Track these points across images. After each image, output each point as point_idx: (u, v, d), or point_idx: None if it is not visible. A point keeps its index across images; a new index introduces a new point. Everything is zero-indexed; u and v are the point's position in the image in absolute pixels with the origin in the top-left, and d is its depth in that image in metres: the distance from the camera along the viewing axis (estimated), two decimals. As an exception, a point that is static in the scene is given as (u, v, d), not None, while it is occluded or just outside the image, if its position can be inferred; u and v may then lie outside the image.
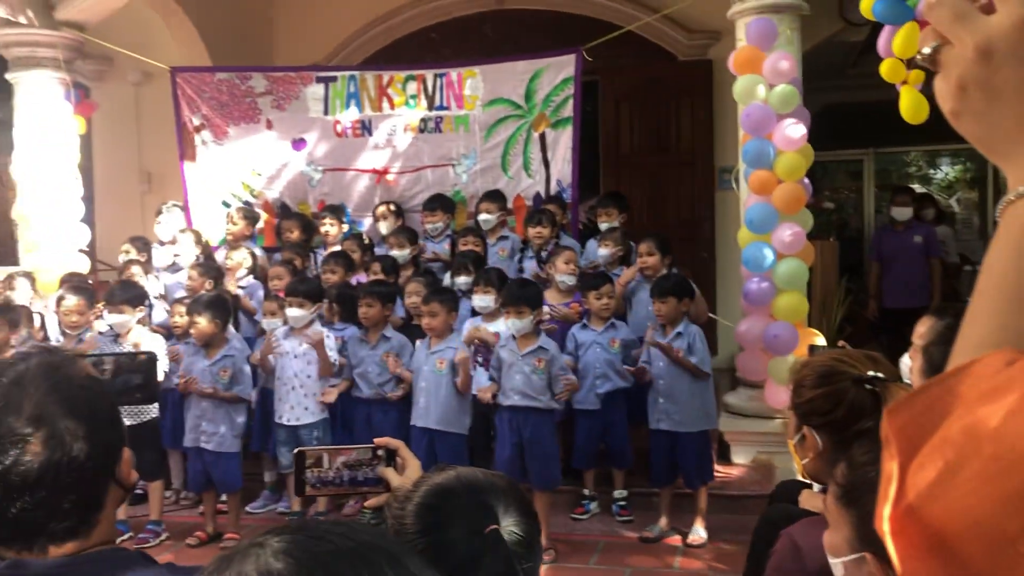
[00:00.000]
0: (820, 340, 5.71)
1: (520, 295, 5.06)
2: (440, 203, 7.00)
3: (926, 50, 0.72)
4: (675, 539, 5.27)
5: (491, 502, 1.31)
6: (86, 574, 1.29)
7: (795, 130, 5.67)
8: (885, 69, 4.26)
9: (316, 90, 7.47)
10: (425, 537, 1.29)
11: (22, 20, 7.01)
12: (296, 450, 1.66)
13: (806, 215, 5.91)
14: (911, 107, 4.09)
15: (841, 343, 4.76)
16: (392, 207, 7.14)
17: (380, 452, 1.63)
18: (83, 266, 7.22)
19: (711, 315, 6.84)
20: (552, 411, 5.14)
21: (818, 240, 8.90)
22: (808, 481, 3.13)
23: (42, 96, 7.25)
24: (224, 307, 5.53)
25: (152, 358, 1.79)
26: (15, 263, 7.57)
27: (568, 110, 7.06)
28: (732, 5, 6.14)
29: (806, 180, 5.88)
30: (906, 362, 3.60)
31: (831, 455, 1.84)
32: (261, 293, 6.45)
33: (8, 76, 7.36)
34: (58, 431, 1.26)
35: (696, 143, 8.80)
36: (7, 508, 1.25)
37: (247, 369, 5.56)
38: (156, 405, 5.52)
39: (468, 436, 5.29)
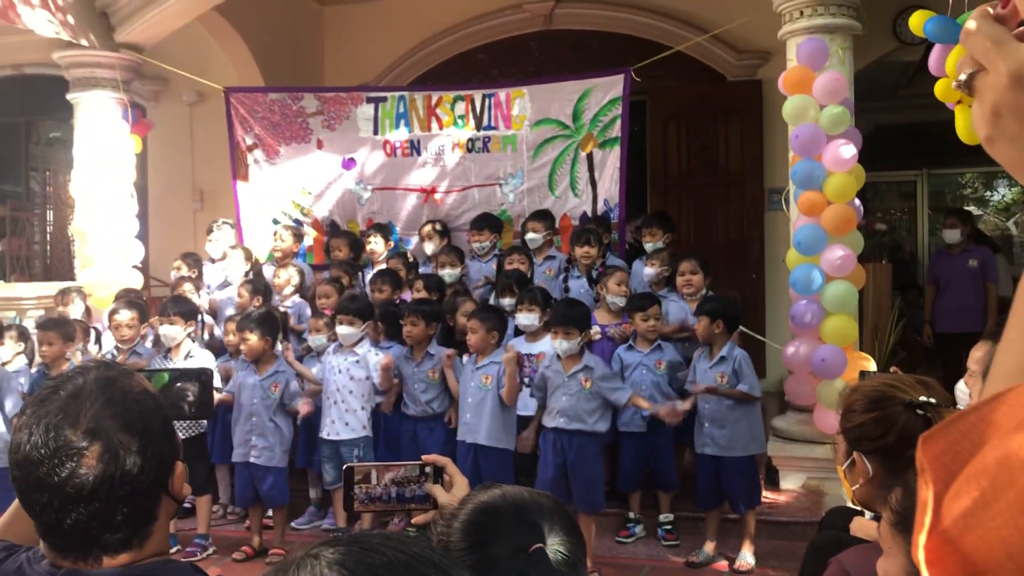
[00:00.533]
0: (871, 365, 5.60)
1: (569, 316, 5.04)
2: (487, 222, 7.03)
3: (962, 76, 0.73)
4: (722, 564, 5.18)
5: (536, 521, 1.30)
6: None
7: (845, 151, 5.58)
8: (939, 89, 4.18)
9: (366, 110, 7.56)
10: (470, 555, 1.28)
11: (83, 42, 7.21)
12: (345, 466, 1.67)
13: (856, 237, 5.81)
14: (966, 127, 4.00)
15: (893, 369, 4.67)
16: (438, 226, 7.19)
17: (428, 469, 1.63)
18: (136, 282, 7.36)
19: (760, 337, 6.76)
20: (597, 433, 5.10)
21: (870, 263, 8.78)
22: (859, 508, 3.07)
23: (101, 116, 7.44)
24: (273, 324, 5.60)
25: (208, 373, 1.80)
26: (72, 278, 7.76)
27: (616, 130, 7.05)
28: (783, 25, 6.09)
29: (856, 202, 5.79)
30: (962, 388, 3.51)
31: (882, 481, 1.79)
32: (308, 311, 6.52)
33: (69, 96, 7.57)
34: (112, 445, 1.28)
35: (745, 163, 8.73)
36: (63, 519, 1.27)
37: (295, 384, 5.61)
38: (204, 420, 5.60)
39: (514, 453, 5.27)
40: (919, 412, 1.84)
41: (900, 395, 1.89)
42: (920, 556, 0.59)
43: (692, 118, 8.90)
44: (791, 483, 6.01)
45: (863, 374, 4.05)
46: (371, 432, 5.60)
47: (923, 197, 11.91)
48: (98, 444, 1.27)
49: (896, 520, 1.42)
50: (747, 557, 5.10)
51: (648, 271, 6.23)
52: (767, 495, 5.88)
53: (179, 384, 1.81)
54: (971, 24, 0.73)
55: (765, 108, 8.40)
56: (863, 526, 3.10)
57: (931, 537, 0.59)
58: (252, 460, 5.47)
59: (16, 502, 1.55)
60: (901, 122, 11.09)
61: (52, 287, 7.48)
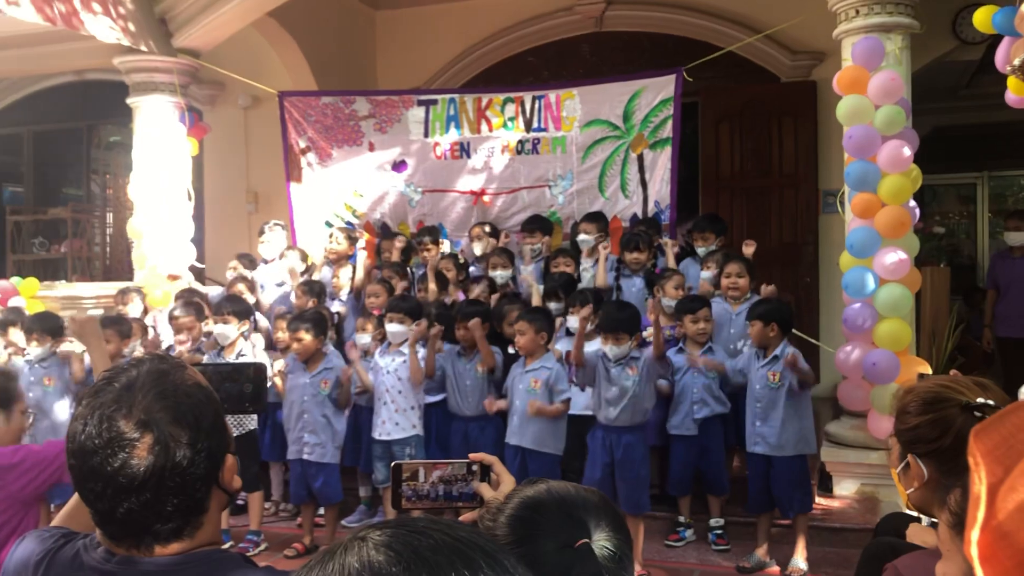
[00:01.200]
0: (927, 370, 5.48)
1: (619, 320, 5.02)
2: (539, 224, 7.03)
3: (1016, 61, 0.71)
4: (774, 570, 5.10)
5: (583, 516, 1.29)
6: (192, 572, 1.33)
7: (901, 152, 5.47)
8: (1014, 83, 4.06)
9: (417, 113, 7.62)
10: (516, 549, 1.28)
11: (143, 48, 7.37)
12: (393, 464, 1.68)
13: (911, 240, 5.68)
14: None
15: (953, 372, 4.56)
16: (487, 228, 7.20)
17: (475, 467, 1.64)
18: (192, 282, 7.50)
19: (814, 340, 6.65)
20: (645, 432, 5.07)
21: (928, 266, 8.59)
22: (915, 514, 3.00)
23: (159, 120, 7.61)
24: (324, 323, 5.66)
25: (262, 368, 1.83)
26: (130, 278, 7.93)
27: (667, 131, 7.01)
28: (838, 24, 5.99)
29: (912, 204, 5.67)
30: (1024, 393, 3.42)
31: (938, 484, 1.75)
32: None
33: (129, 101, 7.74)
34: (163, 437, 1.31)
35: (800, 165, 8.61)
36: (116, 507, 1.30)
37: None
38: (255, 417, 5.69)
39: (562, 459, 5.25)
40: (976, 414, 1.79)
41: (956, 396, 1.84)
42: (973, 552, 0.57)
43: (745, 119, 8.80)
44: (845, 489, 5.90)
45: (921, 376, 3.96)
46: (422, 431, 5.63)
47: (983, 199, 11.63)
48: (149, 436, 1.30)
49: (955, 522, 1.39)
50: (799, 563, 5.02)
51: (705, 274, 6.18)
52: (820, 501, 5.78)
53: (234, 378, 1.83)
54: None
55: (820, 109, 8.28)
56: (919, 532, 3.03)
57: (984, 532, 0.58)
58: (305, 457, 5.53)
59: (76, 494, 1.59)
60: (961, 123, 10.84)
61: (111, 287, 7.66)
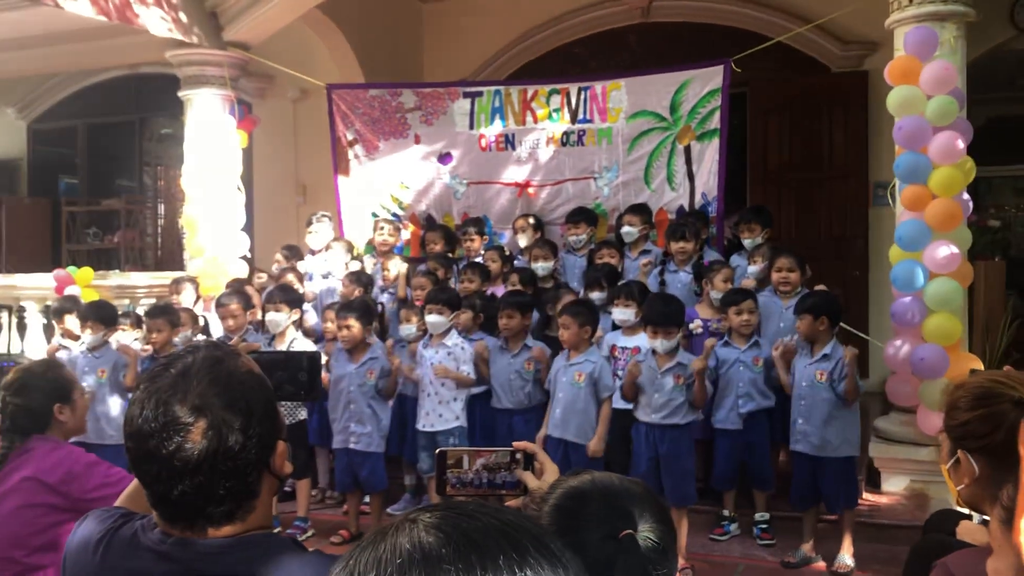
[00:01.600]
0: (979, 366, 5.37)
1: (666, 314, 4.99)
2: (584, 216, 7.01)
3: None
4: (820, 565, 5.05)
5: (627, 507, 1.29)
6: (245, 554, 1.37)
7: (953, 143, 5.35)
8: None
9: (463, 105, 7.64)
10: (559, 538, 1.29)
11: (193, 40, 7.49)
12: (438, 451, 1.69)
13: (963, 233, 5.56)
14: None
15: (1007, 368, 4.47)
16: (531, 220, 7.20)
17: (518, 456, 1.65)
18: (243, 272, 7.62)
19: (863, 335, 6.55)
20: (690, 426, 5.05)
21: (982, 260, 8.41)
22: (965, 511, 2.95)
23: (209, 112, 7.73)
24: (370, 312, 5.72)
25: (316, 357, 1.86)
26: (182, 268, 8.08)
27: (714, 122, 6.94)
28: (890, 13, 5.88)
29: (965, 196, 5.55)
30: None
31: (989, 480, 1.72)
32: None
33: (180, 94, 7.88)
34: (216, 422, 1.34)
35: (850, 157, 8.48)
36: (171, 490, 1.34)
37: (388, 366, 5.72)
38: (303, 407, 5.78)
39: (606, 451, 5.25)
40: (1030, 410, 1.75)
41: (1009, 392, 1.81)
42: (1021, 540, 0.57)
43: (794, 110, 8.69)
44: (894, 485, 5.82)
45: (973, 372, 3.89)
46: (465, 423, 5.66)
47: (1041, 192, 11.34)
48: (203, 420, 1.33)
49: (1007, 517, 1.37)
50: (846, 559, 4.96)
51: (752, 268, 6.13)
52: (868, 497, 5.72)
53: (289, 367, 1.85)
54: None
55: (871, 100, 8.15)
56: (970, 530, 2.98)
57: None
58: (352, 446, 5.60)
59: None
60: (1018, 114, 10.57)
61: (163, 276, 7.81)
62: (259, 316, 6.27)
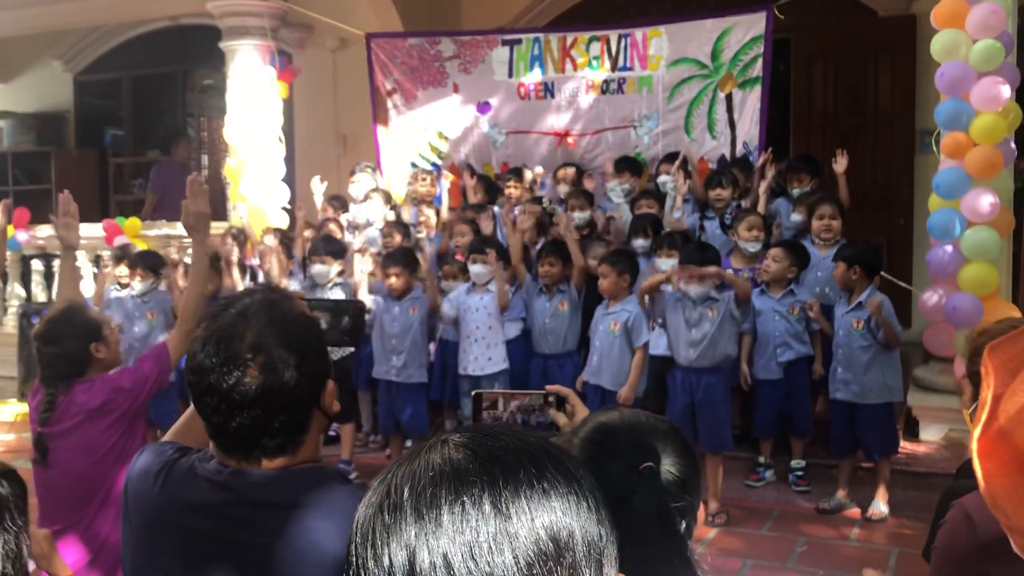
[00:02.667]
0: (1016, 314, 5.32)
1: (699, 260, 5.02)
2: (627, 165, 6.96)
3: None
4: (854, 512, 5.10)
5: (650, 441, 1.35)
6: (295, 484, 1.46)
7: (996, 89, 5.23)
8: None
9: (501, 53, 7.60)
10: (588, 467, 1.35)
11: (235, -10, 7.53)
12: (474, 392, 1.76)
13: (1004, 181, 5.47)
14: None
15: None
16: (571, 169, 7.18)
17: (551, 399, 1.71)
18: (283, 223, 7.73)
19: (905, 285, 6.50)
20: (725, 373, 5.09)
21: (1029, 208, 8.24)
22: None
23: (250, 63, 7.80)
24: (413, 259, 5.81)
25: (361, 306, 1.94)
26: (226, 219, 8.21)
27: (757, 70, 6.85)
28: (939, -46, 5.72)
29: (1012, 145, 5.44)
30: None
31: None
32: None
33: (221, 45, 7.94)
34: (273, 359, 1.42)
35: (896, 104, 8.31)
36: (229, 421, 1.43)
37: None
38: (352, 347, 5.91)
39: (642, 398, 5.31)
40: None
41: None
42: (974, 447, 0.62)
43: (840, 56, 8.51)
44: (932, 434, 5.82)
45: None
46: (508, 365, 5.76)
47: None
48: (261, 357, 1.42)
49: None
50: (880, 506, 5.00)
51: (796, 217, 6.10)
52: (905, 445, 5.72)
53: (336, 313, 1.92)
54: None
55: (919, 44, 7.93)
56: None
57: (986, 432, 0.63)
58: (393, 379, 5.72)
59: (187, 412, 1.73)
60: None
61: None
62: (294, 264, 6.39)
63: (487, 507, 0.75)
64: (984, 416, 0.65)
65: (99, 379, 2.94)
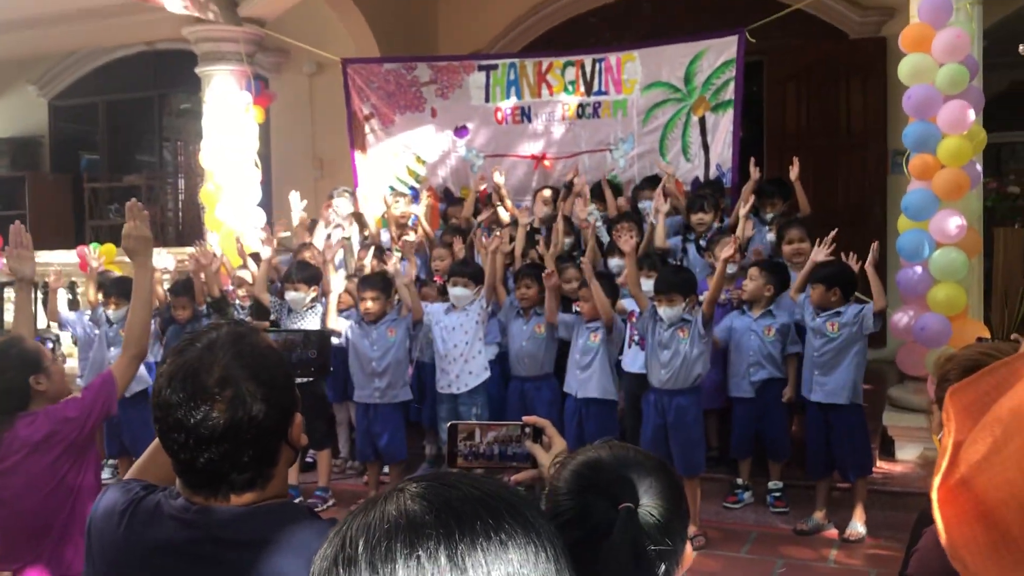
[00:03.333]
0: (985, 334, 5.38)
1: (672, 282, 5.05)
2: (652, 183, 6.92)
3: None
4: (832, 533, 5.12)
5: (633, 479, 1.35)
6: (263, 522, 1.44)
7: (962, 113, 5.33)
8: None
9: (478, 78, 7.65)
10: (571, 499, 1.37)
11: (210, 17, 7.53)
12: (449, 424, 1.76)
13: (970, 202, 5.57)
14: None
15: (1014, 336, 4.47)
16: (549, 192, 7.20)
17: (528, 429, 1.71)
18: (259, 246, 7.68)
19: (864, 298, 6.55)
20: (697, 395, 5.11)
21: (1001, 227, 8.35)
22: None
23: (226, 88, 7.79)
24: (389, 285, 5.79)
25: (326, 335, 1.93)
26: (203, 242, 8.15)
27: (729, 93, 6.92)
28: (907, -21, 5.82)
29: (977, 167, 5.53)
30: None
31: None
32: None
33: (197, 70, 7.93)
34: (241, 392, 1.41)
35: (868, 124, 8.42)
36: (197, 457, 1.42)
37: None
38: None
39: (620, 417, 5.36)
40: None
41: None
42: (933, 496, 0.63)
43: (812, 78, 8.62)
44: (907, 454, 5.86)
45: (980, 340, 3.91)
46: (490, 373, 5.78)
47: (1064, 158, 11.19)
48: (229, 390, 1.41)
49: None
50: (857, 527, 5.02)
51: (771, 237, 6.16)
52: (882, 465, 5.76)
53: (301, 346, 1.92)
54: None
55: (889, 66, 8.04)
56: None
57: (946, 480, 0.63)
58: (377, 401, 5.71)
59: (151, 447, 1.71)
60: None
61: (185, 252, 7.89)
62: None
63: (443, 560, 0.75)
64: (944, 464, 0.65)
65: (42, 412, 2.85)
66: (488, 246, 5.72)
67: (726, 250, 5.02)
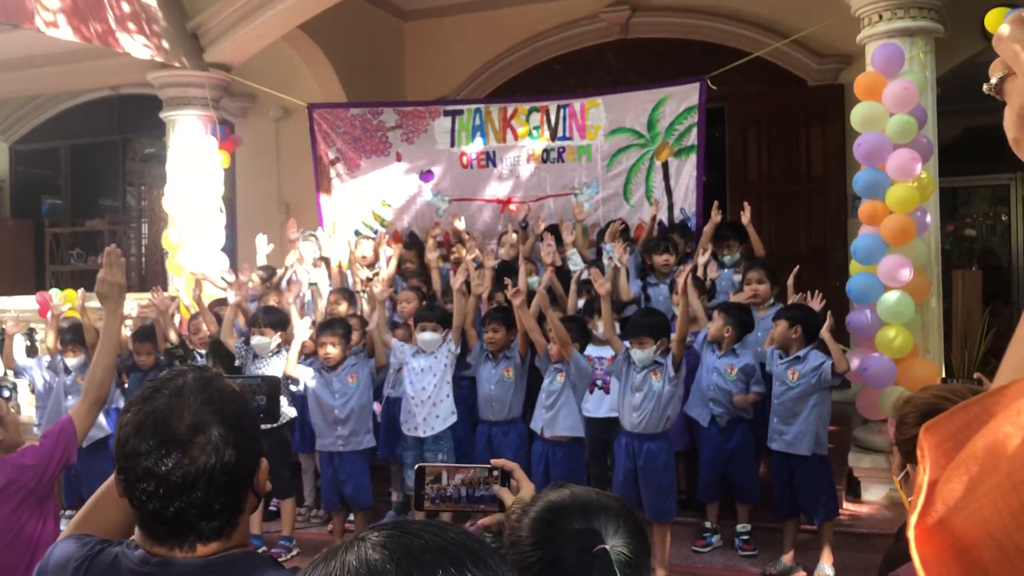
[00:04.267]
0: (935, 375, 5.52)
1: (643, 325, 5.06)
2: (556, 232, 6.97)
3: (993, 80, 0.74)
4: (800, 575, 5.11)
5: (601, 522, 1.35)
6: (226, 573, 1.41)
7: (909, 161, 5.48)
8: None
9: (443, 123, 7.71)
10: (537, 549, 1.36)
11: (176, 64, 7.53)
12: (417, 466, 1.74)
13: (917, 248, 5.70)
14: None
15: (977, 375, 4.54)
16: (514, 235, 7.22)
17: (496, 472, 1.69)
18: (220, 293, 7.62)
19: (841, 347, 6.63)
20: (668, 438, 5.10)
21: (959, 269, 8.52)
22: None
23: (192, 133, 7.77)
24: (349, 331, 5.76)
25: (275, 382, 1.90)
26: (166, 288, 8.07)
27: (692, 139, 7.03)
28: (862, 29, 5.99)
29: (919, 213, 5.67)
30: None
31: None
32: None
33: (162, 115, 7.91)
34: (213, 438, 1.38)
35: (828, 169, 8.59)
36: (167, 507, 1.37)
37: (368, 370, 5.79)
38: (290, 414, 5.85)
39: (586, 462, 5.34)
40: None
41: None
42: (910, 535, 0.63)
43: (772, 124, 8.80)
44: (873, 495, 5.89)
45: (945, 381, 3.96)
46: (456, 416, 5.75)
47: (1018, 201, 11.47)
48: (201, 437, 1.38)
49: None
50: (826, 569, 5.01)
51: (737, 277, 6.25)
52: (848, 507, 5.78)
53: (253, 391, 1.89)
54: (1004, 29, 0.74)
55: (848, 112, 8.22)
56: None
57: (922, 520, 0.63)
58: (340, 449, 5.63)
59: (92, 499, 1.67)
60: (994, 124, 10.65)
61: (147, 298, 7.80)
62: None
63: None
64: (920, 503, 0.65)
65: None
66: (454, 284, 5.73)
67: (680, 279, 5.08)
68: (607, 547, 1.33)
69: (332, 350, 5.62)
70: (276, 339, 5.87)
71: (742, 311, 5.59)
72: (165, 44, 7.36)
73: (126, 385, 6.27)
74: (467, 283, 5.90)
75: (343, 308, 6.45)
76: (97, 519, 1.67)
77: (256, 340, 5.85)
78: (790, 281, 5.78)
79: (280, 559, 5.45)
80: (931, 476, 0.65)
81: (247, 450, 1.42)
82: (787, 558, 5.16)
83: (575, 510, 1.38)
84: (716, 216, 6.44)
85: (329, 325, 5.78)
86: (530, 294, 6.38)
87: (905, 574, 1.76)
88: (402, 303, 6.50)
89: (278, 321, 5.95)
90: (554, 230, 7.09)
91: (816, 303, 5.32)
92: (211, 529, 1.40)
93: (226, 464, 1.38)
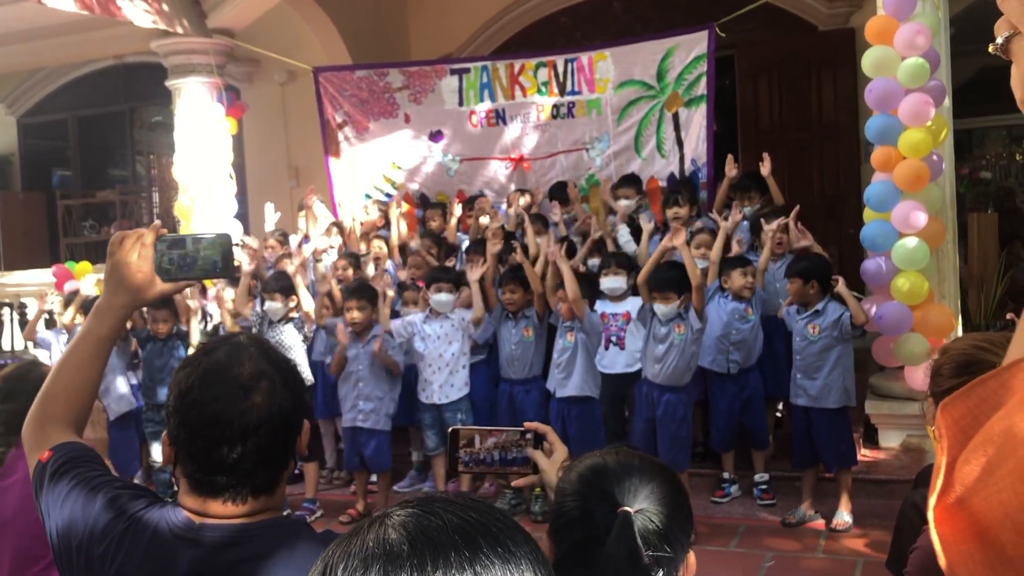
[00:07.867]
0: (952, 322, 5.51)
1: (667, 279, 5.06)
2: (631, 181, 6.87)
3: (999, 40, 0.72)
4: (818, 523, 5.15)
5: (636, 486, 1.37)
6: (265, 537, 1.43)
7: (922, 106, 5.39)
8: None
9: (450, 82, 7.64)
10: (576, 502, 1.40)
11: (178, 30, 7.48)
12: (451, 429, 1.75)
13: (932, 192, 5.62)
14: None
15: (1010, 315, 4.52)
16: (518, 194, 7.18)
17: (528, 435, 1.71)
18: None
19: (856, 294, 6.61)
20: (687, 390, 5.13)
21: (975, 212, 8.44)
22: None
23: (198, 100, 7.74)
24: (373, 295, 5.77)
25: (227, 237, 1.79)
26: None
27: (701, 88, 6.94)
28: (872, -30, 5.87)
29: (934, 157, 5.59)
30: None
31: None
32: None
33: (168, 83, 7.88)
34: (275, 384, 1.44)
35: (839, 116, 8.47)
36: (230, 453, 1.41)
37: (394, 343, 5.79)
38: (310, 379, 5.94)
39: (602, 415, 5.40)
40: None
41: (990, 358, 1.85)
42: (930, 515, 0.63)
43: (783, 71, 8.66)
44: (890, 441, 5.91)
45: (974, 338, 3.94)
46: (469, 390, 5.78)
47: (1035, 140, 11.30)
48: (264, 382, 1.44)
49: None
50: (844, 516, 5.05)
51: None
52: (866, 453, 5.80)
53: (205, 250, 1.79)
54: None
55: (859, 57, 8.09)
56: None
57: (941, 500, 0.63)
58: (359, 424, 5.67)
59: (49, 376, 1.69)
60: (1010, 63, 10.51)
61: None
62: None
63: None
64: (939, 484, 0.65)
65: None
66: (471, 276, 5.72)
67: (677, 238, 5.06)
68: (630, 510, 1.34)
69: (357, 314, 5.64)
70: (290, 303, 5.89)
71: (812, 264, 5.34)
72: (166, 10, 7.30)
73: (139, 357, 6.29)
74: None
75: (351, 274, 6.47)
76: (61, 379, 1.69)
77: (268, 305, 5.89)
78: (791, 222, 5.73)
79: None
80: (949, 456, 0.65)
81: (300, 400, 1.50)
82: (805, 506, 5.20)
83: (614, 471, 1.40)
84: (732, 170, 6.38)
85: (354, 290, 5.80)
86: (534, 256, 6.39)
87: (925, 548, 1.78)
88: (412, 268, 6.52)
89: (288, 287, 5.98)
90: (560, 189, 7.04)
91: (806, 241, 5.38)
92: (265, 479, 1.44)
93: (285, 412, 1.44)
